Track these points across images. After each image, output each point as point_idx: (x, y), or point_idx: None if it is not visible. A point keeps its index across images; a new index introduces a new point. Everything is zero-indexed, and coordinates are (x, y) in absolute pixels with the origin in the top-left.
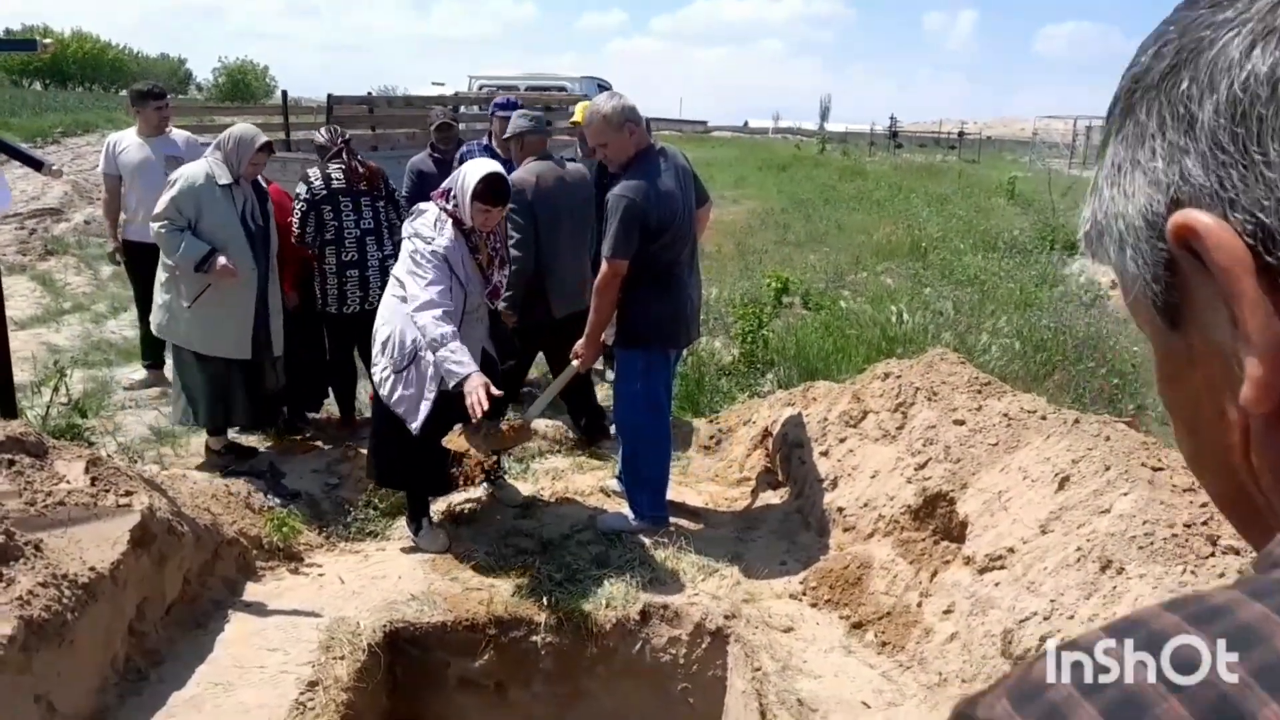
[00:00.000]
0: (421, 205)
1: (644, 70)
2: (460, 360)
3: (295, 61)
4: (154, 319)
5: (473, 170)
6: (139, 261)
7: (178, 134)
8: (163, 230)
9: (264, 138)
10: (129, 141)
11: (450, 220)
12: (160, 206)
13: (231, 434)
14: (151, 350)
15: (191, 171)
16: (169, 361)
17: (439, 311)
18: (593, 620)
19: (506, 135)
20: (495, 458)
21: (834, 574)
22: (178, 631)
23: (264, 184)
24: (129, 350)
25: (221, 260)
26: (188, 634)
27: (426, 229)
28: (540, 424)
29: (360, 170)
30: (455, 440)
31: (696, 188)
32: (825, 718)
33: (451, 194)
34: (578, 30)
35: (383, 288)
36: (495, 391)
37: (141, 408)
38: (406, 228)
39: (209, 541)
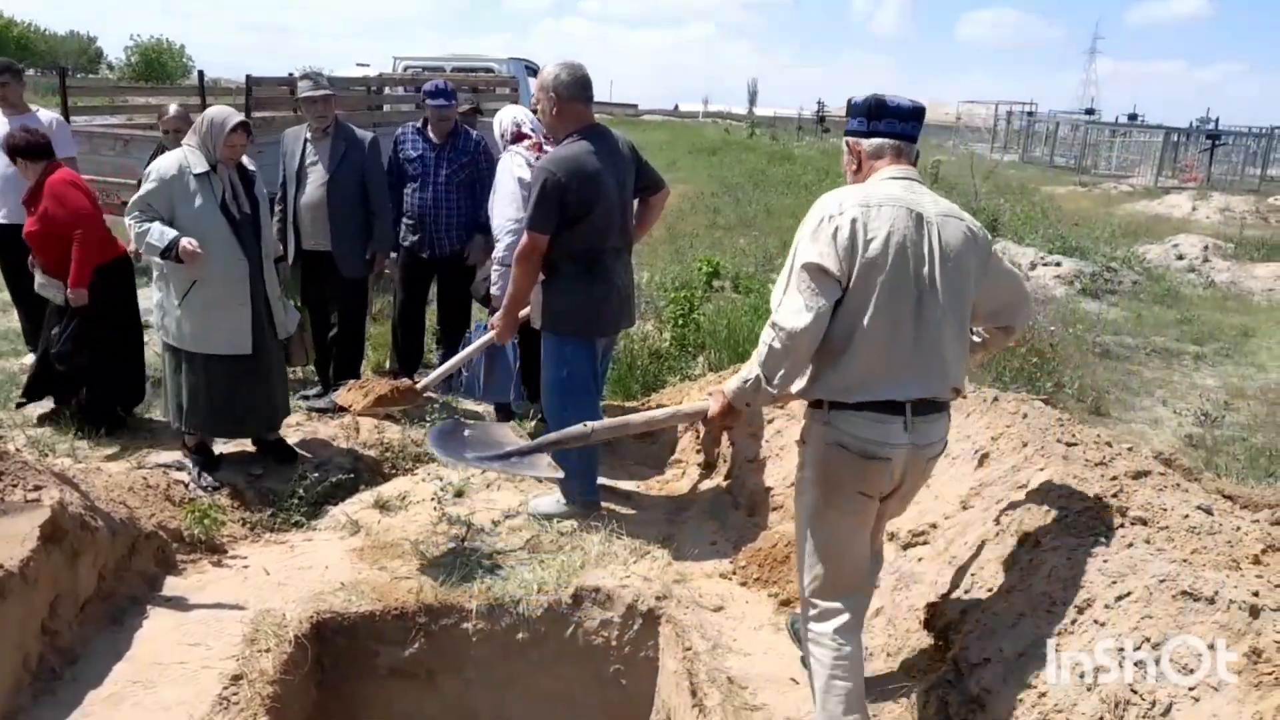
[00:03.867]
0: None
1: (574, 52)
2: None
3: (212, 42)
4: (152, 319)
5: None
6: (5, 245)
7: (44, 115)
8: (131, 223)
9: (238, 117)
10: None
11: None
12: (132, 199)
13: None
14: (33, 336)
15: (164, 164)
16: None
17: None
18: (524, 605)
19: (305, 95)
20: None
21: (763, 553)
22: (93, 629)
23: (250, 167)
24: None
25: (184, 241)
26: (104, 631)
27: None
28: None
29: None
30: (344, 396)
31: (647, 176)
32: (755, 694)
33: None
34: (507, 11)
35: None
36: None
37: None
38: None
39: (125, 536)
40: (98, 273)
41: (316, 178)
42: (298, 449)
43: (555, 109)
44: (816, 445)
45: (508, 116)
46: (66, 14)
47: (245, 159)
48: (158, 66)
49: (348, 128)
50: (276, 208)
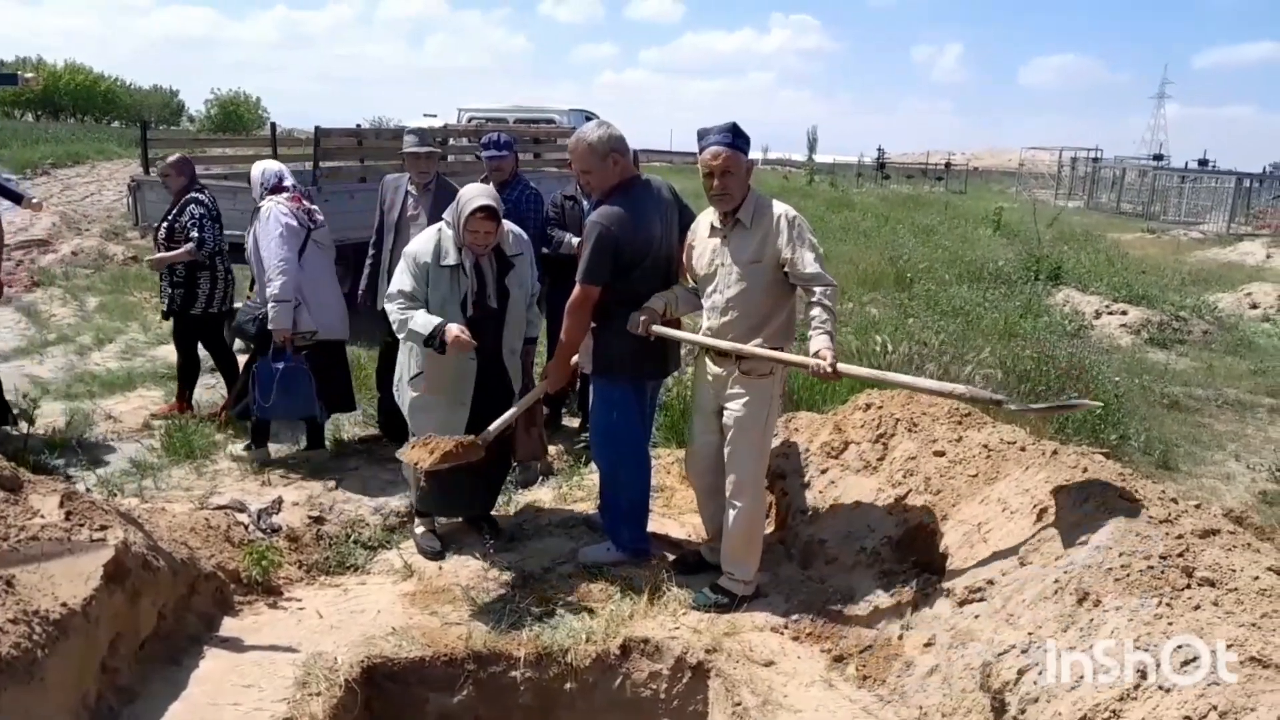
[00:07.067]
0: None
1: (635, 102)
2: None
3: (288, 92)
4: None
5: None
6: None
7: None
8: (394, 309)
9: (481, 201)
10: None
11: None
12: (393, 288)
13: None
14: None
15: (418, 248)
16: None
17: None
18: (573, 655)
19: (409, 151)
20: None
21: (816, 606)
22: (152, 668)
23: (508, 254)
24: (112, 382)
25: (450, 328)
26: (162, 670)
27: None
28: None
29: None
30: (408, 453)
31: (686, 217)
32: None
33: None
34: (570, 63)
35: None
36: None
37: (124, 440)
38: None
39: (186, 576)
40: None
41: (419, 231)
42: (363, 495)
43: (617, 164)
44: (780, 372)
45: (271, 169)
46: (152, 69)
47: (507, 238)
48: (235, 118)
49: (448, 183)
50: (370, 252)
